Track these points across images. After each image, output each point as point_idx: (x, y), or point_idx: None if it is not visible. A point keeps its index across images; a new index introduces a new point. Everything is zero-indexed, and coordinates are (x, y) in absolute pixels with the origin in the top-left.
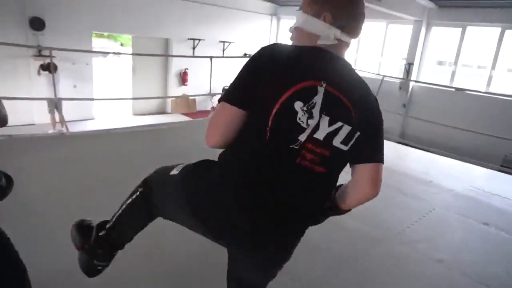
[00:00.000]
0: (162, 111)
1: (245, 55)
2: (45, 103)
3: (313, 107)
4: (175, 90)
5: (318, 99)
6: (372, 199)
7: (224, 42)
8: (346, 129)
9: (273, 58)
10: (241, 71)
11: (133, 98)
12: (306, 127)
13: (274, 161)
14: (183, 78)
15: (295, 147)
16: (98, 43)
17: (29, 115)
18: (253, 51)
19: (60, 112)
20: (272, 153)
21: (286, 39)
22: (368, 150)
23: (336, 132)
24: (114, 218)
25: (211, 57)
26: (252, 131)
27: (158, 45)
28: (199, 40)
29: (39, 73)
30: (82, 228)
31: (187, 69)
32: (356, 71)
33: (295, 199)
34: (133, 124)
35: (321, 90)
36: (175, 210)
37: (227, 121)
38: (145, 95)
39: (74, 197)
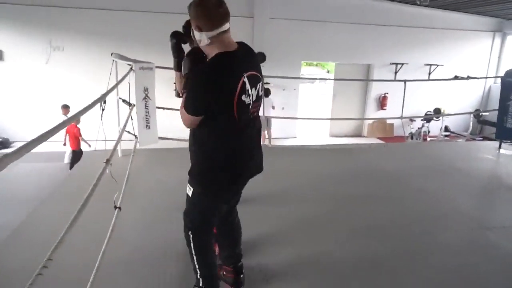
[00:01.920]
0: (358, 134)
1: (456, 77)
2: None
3: (248, 90)
4: (373, 114)
5: (247, 86)
6: None
7: (430, 65)
8: (261, 84)
9: (218, 80)
10: (196, 95)
11: (329, 119)
12: (249, 102)
13: (245, 127)
14: (382, 102)
15: (249, 112)
16: (308, 71)
17: None
18: (466, 73)
19: (269, 129)
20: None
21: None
22: None
23: (259, 90)
24: (198, 270)
25: (405, 81)
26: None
27: (359, 70)
28: (402, 64)
29: None
30: None
31: (387, 93)
32: (244, 43)
33: (256, 135)
34: (325, 143)
35: (245, 79)
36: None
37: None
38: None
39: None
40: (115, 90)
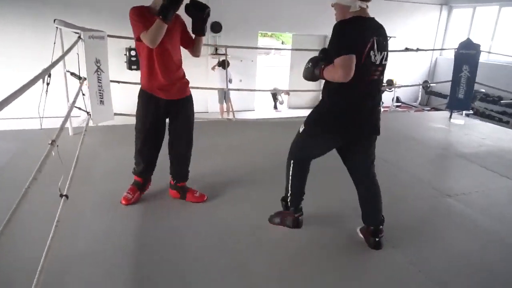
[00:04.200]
0: (315, 105)
1: (406, 49)
2: (216, 95)
3: (375, 51)
4: None
5: (375, 46)
6: None
7: None
8: (386, 53)
9: (356, 30)
10: (344, 39)
11: (288, 90)
12: (374, 61)
13: (368, 82)
14: None
15: (373, 70)
16: (262, 42)
17: (204, 104)
18: (416, 45)
19: (228, 102)
20: (366, 77)
21: (458, 32)
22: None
23: (383, 57)
24: (290, 189)
25: None
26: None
27: (316, 41)
28: None
29: (213, 69)
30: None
31: None
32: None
33: (375, 93)
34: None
35: (374, 41)
36: (323, 145)
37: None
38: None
39: (233, 168)
40: (61, 62)
